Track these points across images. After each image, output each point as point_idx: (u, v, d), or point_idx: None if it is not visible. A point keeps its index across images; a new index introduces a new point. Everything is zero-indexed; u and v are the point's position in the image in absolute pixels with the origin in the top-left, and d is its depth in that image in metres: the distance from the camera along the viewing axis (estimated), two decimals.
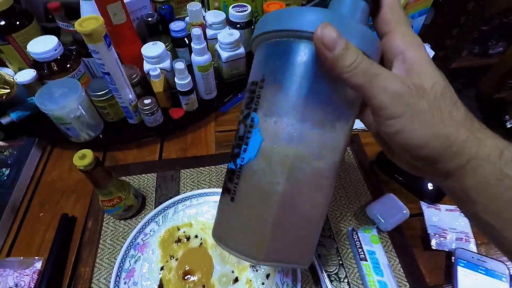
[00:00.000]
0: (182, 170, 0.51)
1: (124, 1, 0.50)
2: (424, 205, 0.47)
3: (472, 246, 0.43)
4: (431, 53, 0.70)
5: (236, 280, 0.39)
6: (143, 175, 0.51)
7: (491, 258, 0.41)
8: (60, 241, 0.43)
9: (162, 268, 0.40)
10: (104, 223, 0.45)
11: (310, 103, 0.21)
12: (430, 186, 0.48)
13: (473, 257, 0.41)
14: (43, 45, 0.47)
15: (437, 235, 0.44)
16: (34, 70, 0.48)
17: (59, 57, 0.48)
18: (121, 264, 0.40)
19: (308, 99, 0.21)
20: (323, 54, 0.19)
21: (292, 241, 0.24)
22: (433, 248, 0.43)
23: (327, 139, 0.22)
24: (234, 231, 0.24)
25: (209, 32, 0.59)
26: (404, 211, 0.45)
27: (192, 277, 0.39)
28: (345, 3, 0.23)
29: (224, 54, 0.55)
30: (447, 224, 0.45)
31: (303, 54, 0.21)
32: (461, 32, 1.23)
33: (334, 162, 0.23)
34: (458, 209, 0.47)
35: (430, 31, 1.25)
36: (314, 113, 0.21)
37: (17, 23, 0.51)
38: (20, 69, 0.51)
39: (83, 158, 0.36)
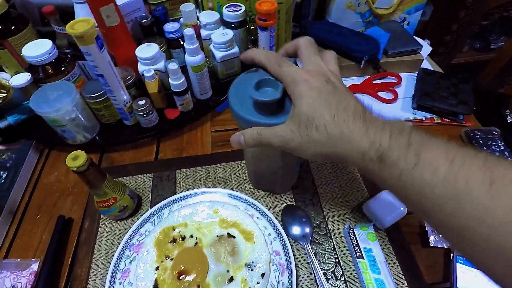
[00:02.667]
0: (178, 170, 0.51)
1: (118, 4, 0.50)
2: None
3: None
4: (429, 49, 0.69)
5: (231, 279, 0.39)
6: (139, 175, 0.51)
7: None
8: (57, 243, 0.43)
9: (157, 268, 0.40)
10: (100, 224, 0.46)
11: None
12: None
13: None
14: (37, 49, 0.47)
15: (435, 232, 0.43)
16: (29, 73, 0.48)
17: (53, 60, 0.49)
18: (116, 265, 0.40)
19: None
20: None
21: (264, 181, 0.46)
22: (432, 245, 0.42)
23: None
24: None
25: (204, 33, 0.59)
26: (401, 209, 0.44)
27: (187, 276, 0.39)
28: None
29: (219, 54, 0.55)
30: None
31: None
32: (460, 28, 1.22)
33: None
34: None
35: (430, 27, 1.24)
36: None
37: (13, 27, 0.51)
38: (16, 73, 0.51)
39: (76, 159, 0.36)
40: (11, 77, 0.53)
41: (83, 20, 0.39)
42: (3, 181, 0.48)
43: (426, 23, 1.24)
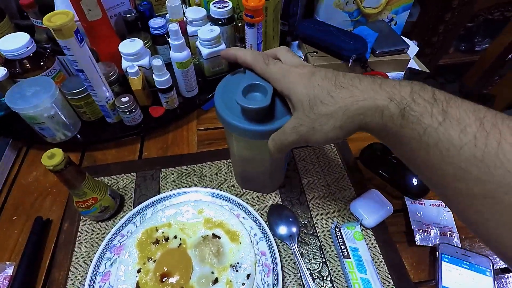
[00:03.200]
0: (162, 170, 0.50)
1: None
2: (408, 201, 0.47)
3: (456, 241, 0.42)
4: (416, 49, 0.70)
5: (215, 281, 0.38)
6: (122, 175, 0.49)
7: (475, 252, 0.40)
8: (33, 245, 0.41)
9: (139, 271, 0.38)
10: (80, 225, 0.44)
11: None
12: (414, 181, 0.47)
13: (457, 252, 0.40)
14: (14, 42, 0.45)
15: (421, 231, 0.43)
16: (4, 68, 0.46)
17: (31, 55, 0.47)
18: (96, 267, 0.39)
19: None
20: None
21: (251, 181, 0.46)
22: (417, 243, 0.42)
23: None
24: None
25: (190, 29, 0.58)
26: (388, 207, 0.44)
27: (170, 279, 0.38)
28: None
29: (205, 51, 0.54)
30: (431, 219, 0.45)
31: None
32: (447, 29, 1.24)
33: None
34: (442, 203, 0.46)
35: (417, 28, 1.25)
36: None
37: None
38: None
39: (52, 157, 0.34)
40: None
41: (61, 12, 0.37)
42: None
43: (413, 24, 1.26)
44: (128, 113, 0.50)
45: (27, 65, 0.47)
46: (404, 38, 0.67)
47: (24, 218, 0.45)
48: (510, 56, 1.08)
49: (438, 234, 0.43)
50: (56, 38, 0.38)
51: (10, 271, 0.40)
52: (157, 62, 0.47)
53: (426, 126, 0.21)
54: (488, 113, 0.20)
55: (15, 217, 0.45)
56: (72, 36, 0.38)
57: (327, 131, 0.26)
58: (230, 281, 0.38)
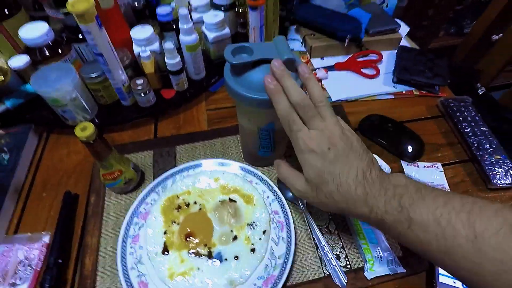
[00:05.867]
0: (177, 146, 0.53)
1: None
2: (404, 164, 0.51)
3: None
4: (407, 28, 0.74)
5: (235, 238, 0.42)
6: (139, 153, 0.53)
7: None
8: (66, 216, 0.45)
9: (165, 233, 0.42)
10: (106, 197, 0.48)
11: None
12: (409, 148, 0.52)
13: None
14: (34, 31, 0.48)
15: None
16: (27, 55, 0.49)
17: (50, 43, 0.50)
18: (126, 231, 0.42)
19: None
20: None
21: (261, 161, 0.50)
22: None
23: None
24: None
25: (195, 16, 0.61)
26: (387, 169, 0.49)
27: (194, 239, 0.42)
28: None
29: (211, 35, 0.58)
30: (426, 178, 0.49)
31: None
32: (436, 13, 1.29)
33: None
34: (435, 165, 0.51)
35: (408, 12, 1.29)
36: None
37: (6, 11, 0.52)
38: (11, 58, 0.52)
39: (84, 129, 0.38)
40: (5, 61, 0.54)
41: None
42: (6, 162, 0.50)
43: (404, 9, 1.30)
44: (142, 94, 0.53)
45: (46, 53, 0.50)
46: (395, 19, 0.71)
47: (53, 194, 0.49)
48: (494, 37, 1.13)
49: None
50: (78, 23, 0.42)
51: (46, 239, 0.43)
52: (169, 45, 0.51)
53: (399, 230, 0.28)
54: (444, 210, 0.26)
55: (44, 194, 0.49)
56: (93, 21, 0.42)
57: (326, 210, 0.37)
58: (248, 237, 0.42)
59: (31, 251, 0.42)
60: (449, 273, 0.28)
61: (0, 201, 0.45)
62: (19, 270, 0.41)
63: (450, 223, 0.25)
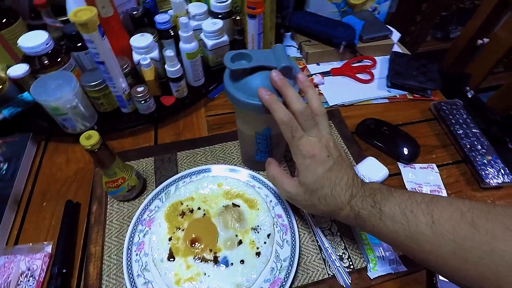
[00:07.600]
0: (178, 152, 0.54)
1: None
2: (401, 165, 0.53)
3: (444, 195, 0.49)
4: (398, 35, 0.76)
5: (240, 242, 0.42)
6: (140, 160, 0.53)
7: None
8: (68, 225, 0.44)
9: (170, 239, 0.42)
10: (108, 205, 0.47)
11: None
12: (405, 150, 0.53)
13: None
14: (34, 40, 0.48)
15: (414, 189, 0.49)
16: (27, 64, 0.49)
17: (50, 51, 0.50)
18: (131, 239, 0.42)
19: None
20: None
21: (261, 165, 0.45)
22: None
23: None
24: None
25: (193, 23, 0.62)
26: (384, 171, 0.50)
27: (199, 244, 0.42)
28: None
29: (210, 42, 0.59)
30: (422, 179, 0.51)
31: None
32: (424, 19, 1.33)
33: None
34: (430, 166, 0.53)
35: (396, 18, 1.33)
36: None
37: (4, 20, 0.52)
38: (8, 67, 0.51)
39: (89, 138, 0.38)
40: (3, 70, 0.53)
41: (85, 8, 0.41)
42: (4, 172, 0.49)
43: (393, 15, 1.34)
44: (143, 102, 0.54)
45: (46, 61, 0.50)
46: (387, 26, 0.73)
47: (53, 203, 0.48)
48: (479, 41, 1.17)
49: (429, 191, 0.49)
50: (81, 32, 0.42)
51: (48, 249, 0.43)
52: (170, 53, 0.51)
53: (373, 223, 0.32)
54: (407, 203, 0.30)
55: (45, 203, 0.48)
56: (96, 30, 0.42)
57: (313, 212, 0.43)
58: (253, 241, 0.42)
59: (33, 262, 0.42)
60: (415, 259, 0.31)
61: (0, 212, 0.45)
62: (22, 282, 0.40)
63: (412, 213, 0.30)
